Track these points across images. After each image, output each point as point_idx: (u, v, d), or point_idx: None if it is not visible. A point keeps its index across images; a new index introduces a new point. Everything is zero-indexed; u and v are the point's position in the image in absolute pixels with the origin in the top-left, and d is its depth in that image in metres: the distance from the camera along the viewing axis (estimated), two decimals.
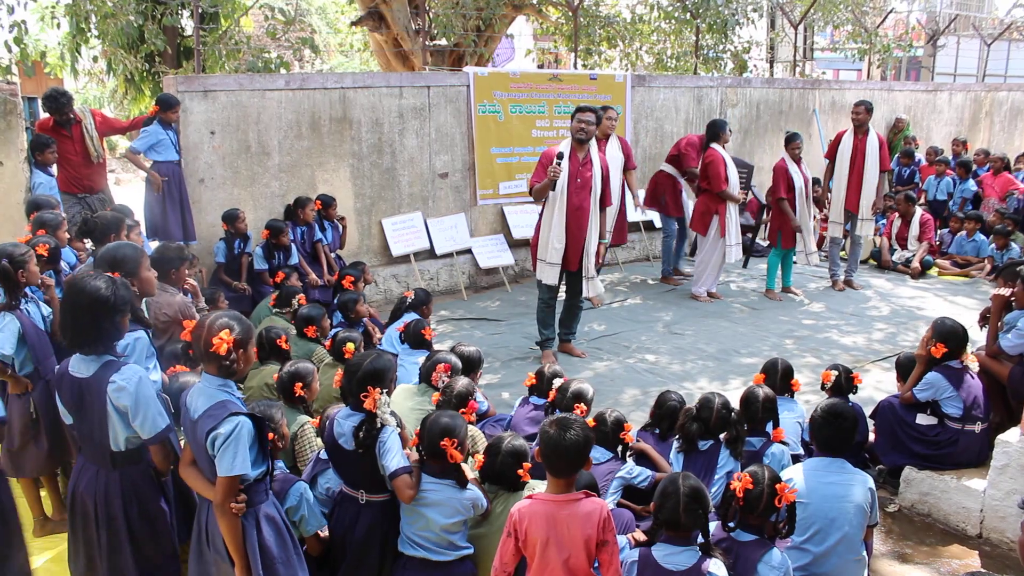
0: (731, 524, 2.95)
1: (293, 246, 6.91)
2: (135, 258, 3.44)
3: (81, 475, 2.95)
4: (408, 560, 3.12)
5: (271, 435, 3.07)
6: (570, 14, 11.18)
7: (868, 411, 4.60)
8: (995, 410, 4.38)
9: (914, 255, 9.17)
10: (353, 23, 12.68)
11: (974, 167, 10.88)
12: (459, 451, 3.09)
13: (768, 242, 8.54)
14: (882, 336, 6.91)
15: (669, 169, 8.44)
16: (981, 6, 23.49)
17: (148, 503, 2.94)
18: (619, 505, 3.60)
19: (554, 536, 2.66)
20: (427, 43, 10.16)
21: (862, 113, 7.87)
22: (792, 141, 7.80)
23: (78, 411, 2.85)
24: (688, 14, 12.52)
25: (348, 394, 3.17)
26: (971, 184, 10.52)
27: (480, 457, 3.34)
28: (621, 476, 3.66)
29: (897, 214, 9.52)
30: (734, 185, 7.67)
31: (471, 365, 4.51)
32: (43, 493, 4.10)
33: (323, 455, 3.49)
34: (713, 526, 3.01)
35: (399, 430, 3.19)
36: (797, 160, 7.81)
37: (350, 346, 4.46)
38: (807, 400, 5.08)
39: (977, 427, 4.17)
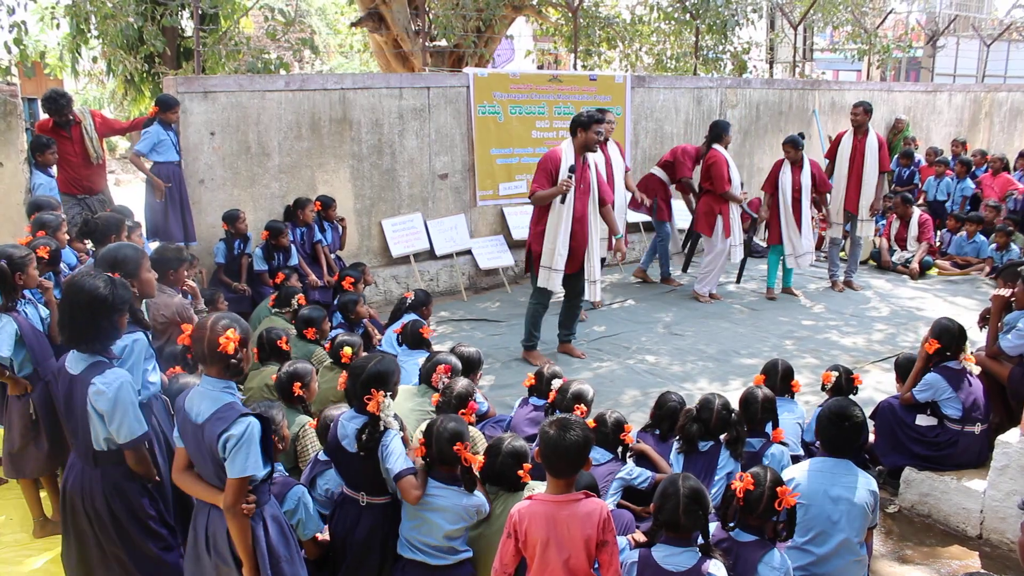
0: (731, 524, 2.95)
1: (293, 247, 6.91)
2: (136, 259, 3.44)
3: (70, 471, 3.00)
4: (407, 563, 3.12)
5: (273, 436, 3.07)
6: (570, 15, 11.18)
7: (868, 412, 4.58)
8: (995, 411, 4.38)
9: (913, 256, 9.18)
10: (353, 24, 12.67)
11: (972, 167, 10.89)
12: (471, 454, 3.09)
13: (765, 243, 8.54)
14: (882, 337, 6.91)
15: (660, 174, 8.33)
16: (980, 7, 23.50)
17: (130, 502, 2.94)
18: (619, 506, 3.60)
19: (554, 536, 2.66)
20: (427, 44, 10.16)
21: (860, 114, 7.87)
22: (784, 144, 7.86)
23: (67, 406, 2.89)
24: (688, 15, 12.52)
25: (352, 396, 3.16)
26: (969, 183, 10.52)
27: (480, 458, 3.34)
28: (621, 477, 3.66)
29: (895, 215, 9.51)
30: (736, 186, 7.69)
31: (471, 366, 4.51)
32: (43, 494, 4.10)
33: (322, 456, 3.50)
34: (713, 527, 3.01)
35: (401, 433, 3.19)
36: (793, 162, 7.81)
37: (347, 350, 4.44)
38: (807, 401, 5.08)
39: (977, 428, 4.17)
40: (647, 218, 9.29)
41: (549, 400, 4.11)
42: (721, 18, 12.73)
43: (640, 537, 3.15)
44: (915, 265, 9.01)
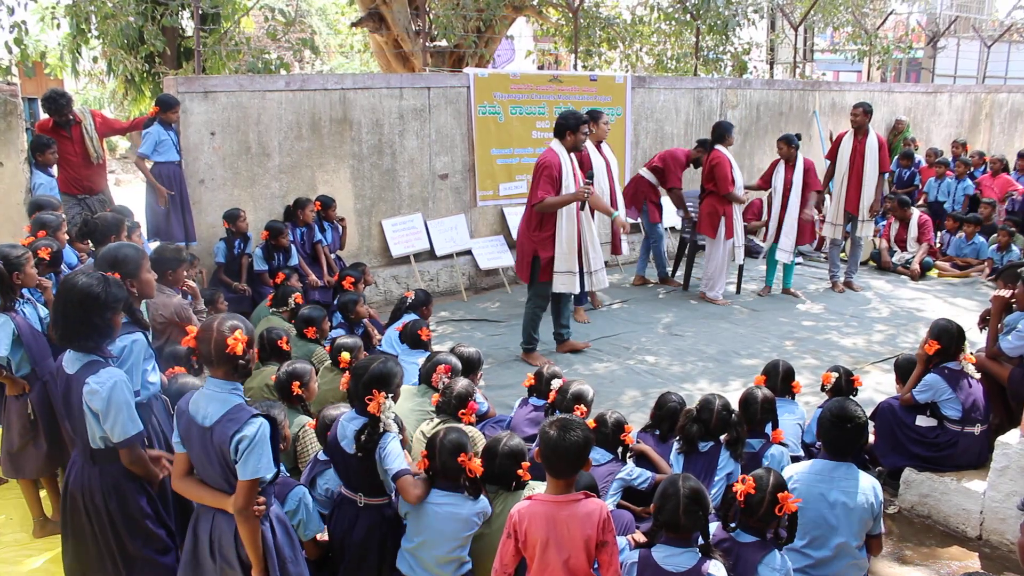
0: (732, 524, 2.95)
1: (293, 247, 6.92)
2: (136, 259, 3.43)
3: (72, 468, 3.01)
4: None
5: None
6: (570, 15, 11.18)
7: (868, 413, 4.59)
8: (995, 412, 4.38)
9: (913, 257, 9.18)
10: (353, 24, 12.68)
11: (971, 168, 10.90)
12: (475, 464, 3.09)
13: (763, 243, 8.52)
14: (882, 338, 6.91)
15: (649, 177, 8.23)
16: (981, 8, 23.51)
17: (127, 500, 2.94)
18: (619, 506, 3.60)
19: (554, 537, 2.66)
20: (427, 44, 10.16)
21: (860, 115, 7.87)
22: (778, 141, 7.94)
23: (66, 405, 2.89)
24: (688, 15, 12.52)
25: (354, 397, 3.16)
26: (970, 183, 10.52)
27: (478, 460, 3.34)
28: (621, 477, 3.66)
29: (894, 217, 9.51)
30: (739, 186, 7.68)
31: (471, 366, 4.51)
32: (43, 493, 4.10)
33: (322, 456, 3.50)
34: (714, 526, 3.01)
35: (400, 435, 3.19)
36: (786, 160, 7.84)
37: (345, 356, 4.41)
38: (807, 402, 5.07)
39: (977, 429, 4.17)
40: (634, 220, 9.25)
41: (549, 400, 4.11)
42: (722, 18, 12.73)
43: (640, 537, 3.15)
44: (915, 266, 9.01)
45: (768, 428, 3.88)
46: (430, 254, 8.21)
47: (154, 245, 5.86)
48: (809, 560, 3.24)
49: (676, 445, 3.81)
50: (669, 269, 8.79)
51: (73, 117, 6.69)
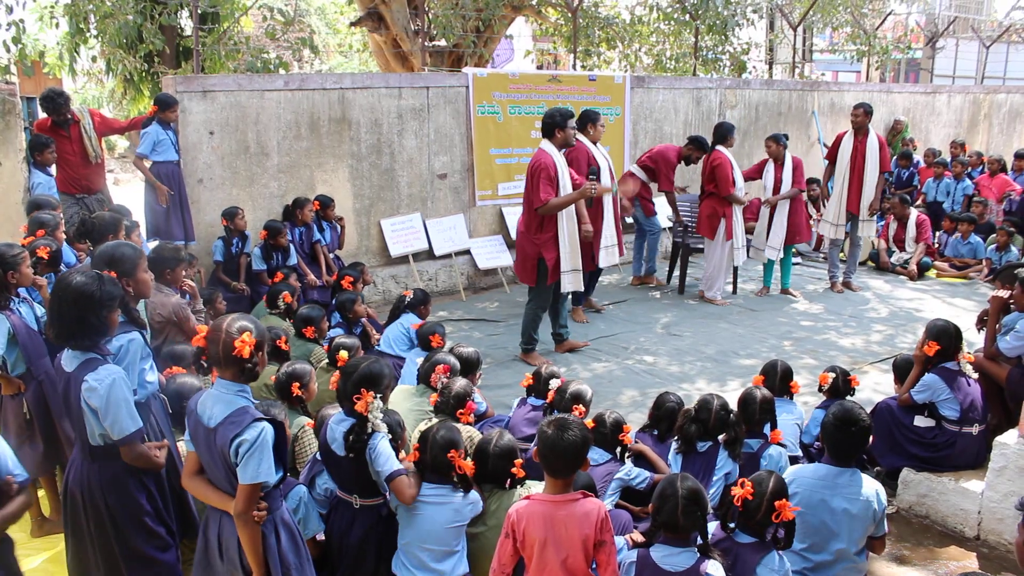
0: (731, 525, 2.95)
1: (292, 247, 6.91)
2: (132, 259, 3.41)
3: (71, 466, 3.01)
4: None
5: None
6: (569, 15, 11.19)
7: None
8: (993, 412, 4.38)
9: (911, 257, 9.18)
10: (352, 24, 12.67)
11: (968, 168, 10.92)
12: (466, 462, 3.09)
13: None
14: (880, 338, 6.91)
15: (639, 174, 8.18)
16: (980, 8, 23.51)
17: (127, 498, 2.94)
18: (617, 506, 3.60)
19: (552, 536, 2.66)
20: (426, 44, 10.16)
21: (861, 116, 7.87)
22: (767, 140, 8.00)
23: (65, 403, 2.89)
24: (687, 15, 12.52)
25: (343, 397, 3.15)
26: (968, 183, 10.54)
27: (471, 462, 3.33)
28: (620, 477, 3.66)
29: (893, 216, 9.52)
30: (740, 188, 7.68)
31: (469, 366, 4.51)
32: (41, 493, 4.10)
33: (320, 456, 3.50)
34: (713, 526, 3.02)
35: (401, 433, 3.18)
36: (775, 159, 7.87)
37: (343, 355, 4.41)
38: (805, 402, 5.08)
39: (975, 429, 4.17)
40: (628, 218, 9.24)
41: (547, 400, 4.11)
42: (720, 19, 12.73)
43: (638, 537, 3.15)
44: (913, 267, 9.02)
45: (767, 428, 3.88)
46: (429, 254, 8.21)
47: (153, 244, 5.85)
48: (808, 563, 3.24)
49: (674, 445, 3.82)
50: (659, 271, 8.77)
51: (71, 116, 6.68)
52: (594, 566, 2.71)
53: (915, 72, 21.63)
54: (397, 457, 3.12)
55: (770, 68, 15.51)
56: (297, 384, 3.95)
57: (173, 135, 6.56)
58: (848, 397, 4.45)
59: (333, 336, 5.15)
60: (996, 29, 19.53)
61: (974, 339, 4.98)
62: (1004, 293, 4.52)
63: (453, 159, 8.30)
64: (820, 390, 4.52)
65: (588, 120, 6.69)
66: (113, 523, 2.93)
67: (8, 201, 5.98)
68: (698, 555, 2.71)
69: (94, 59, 12.29)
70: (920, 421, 4.27)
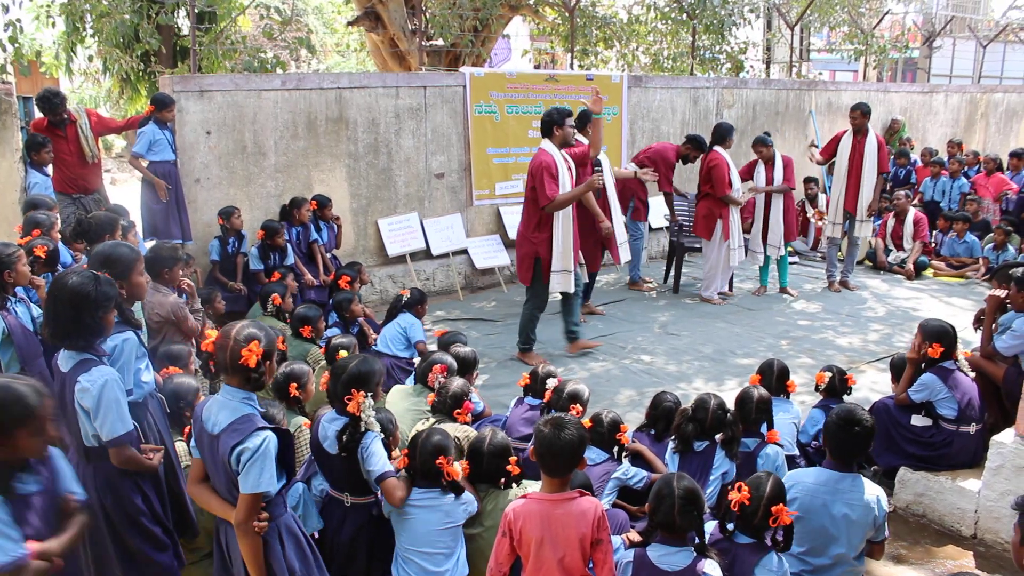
0: (729, 527, 2.94)
1: (289, 246, 6.90)
2: (128, 261, 3.39)
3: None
4: None
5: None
6: (566, 15, 11.19)
7: None
8: (990, 411, 4.39)
9: (908, 255, 9.20)
10: (349, 23, 12.67)
11: (965, 167, 10.94)
12: (454, 468, 3.08)
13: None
14: (878, 337, 6.92)
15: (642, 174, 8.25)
16: (977, 8, 23.54)
17: (123, 498, 2.93)
18: (614, 506, 3.60)
19: (549, 535, 2.66)
20: (424, 43, 10.15)
21: (859, 117, 7.85)
22: (754, 146, 7.99)
23: (61, 403, 2.88)
24: (685, 15, 12.53)
25: (334, 397, 3.15)
26: (965, 181, 10.56)
27: (465, 462, 3.33)
28: (617, 477, 3.66)
29: (892, 214, 9.52)
30: (737, 188, 7.68)
31: (466, 366, 4.51)
32: None
33: (311, 454, 3.50)
34: (711, 525, 3.01)
35: (394, 430, 3.18)
36: (766, 161, 7.88)
37: (342, 354, 4.42)
38: (802, 401, 5.08)
39: (972, 428, 4.18)
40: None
41: (545, 400, 4.11)
42: (718, 18, 12.74)
43: (635, 536, 3.15)
44: (910, 266, 9.03)
45: (763, 428, 3.88)
46: (426, 253, 8.21)
47: (150, 244, 5.84)
48: (807, 566, 3.23)
49: (671, 444, 3.82)
50: (651, 275, 8.76)
51: (68, 116, 6.66)
52: (591, 565, 2.71)
53: (912, 71, 21.68)
54: (389, 456, 3.11)
55: (767, 67, 15.53)
56: (295, 385, 3.94)
57: (170, 135, 6.55)
58: (845, 396, 4.46)
59: (330, 336, 5.15)
60: (993, 29, 19.57)
61: (971, 338, 4.98)
62: (1001, 292, 4.53)
63: (450, 159, 8.30)
64: (817, 389, 4.53)
65: (587, 120, 6.70)
66: (109, 523, 2.92)
67: (4, 201, 5.97)
68: (695, 554, 2.71)
69: (91, 58, 12.29)
70: (917, 420, 4.27)
